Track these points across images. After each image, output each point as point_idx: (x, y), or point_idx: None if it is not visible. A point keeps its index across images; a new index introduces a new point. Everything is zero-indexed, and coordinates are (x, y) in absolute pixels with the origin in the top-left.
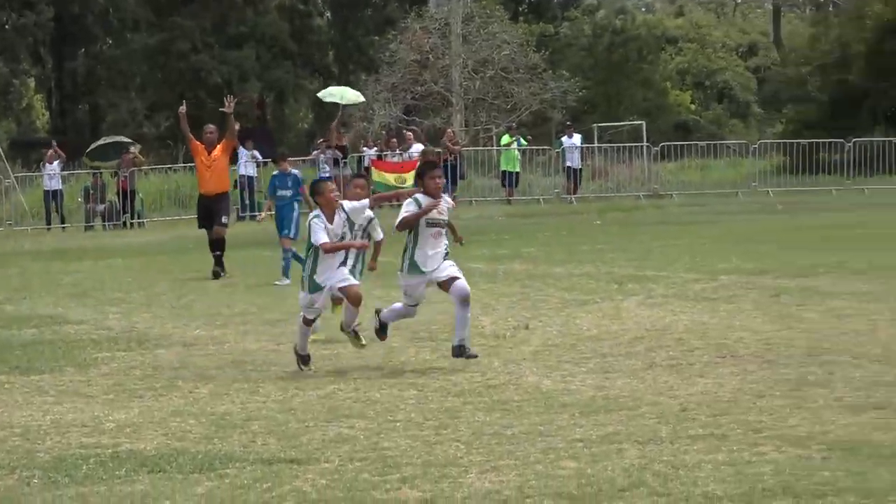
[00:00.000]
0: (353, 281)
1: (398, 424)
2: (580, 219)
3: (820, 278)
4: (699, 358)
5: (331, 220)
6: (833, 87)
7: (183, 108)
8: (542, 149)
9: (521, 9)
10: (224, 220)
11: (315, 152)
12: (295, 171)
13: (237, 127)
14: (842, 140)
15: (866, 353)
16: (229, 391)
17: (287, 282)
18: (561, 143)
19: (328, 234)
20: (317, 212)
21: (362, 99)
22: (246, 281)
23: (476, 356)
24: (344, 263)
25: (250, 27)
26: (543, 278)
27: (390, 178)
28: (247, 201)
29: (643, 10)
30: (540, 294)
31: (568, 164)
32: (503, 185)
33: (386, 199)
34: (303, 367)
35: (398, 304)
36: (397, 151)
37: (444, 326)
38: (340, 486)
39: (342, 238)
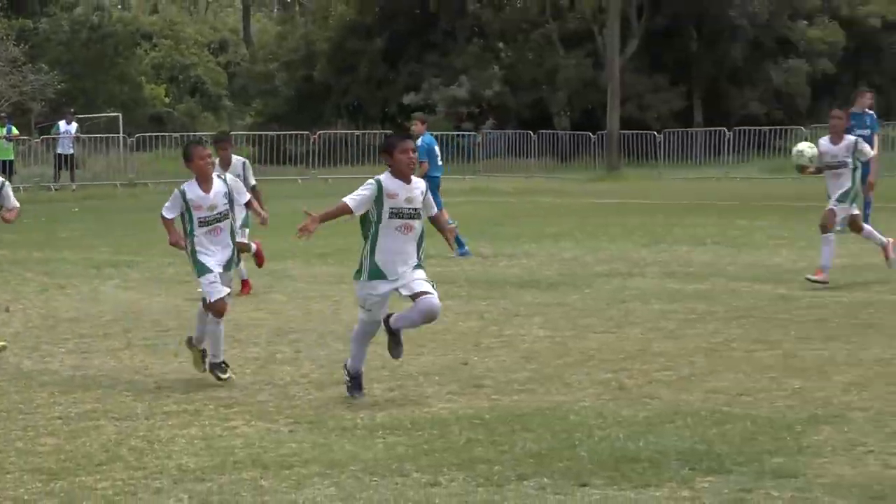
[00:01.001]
0: (221, 291)
1: None
2: (59, 206)
3: (287, 262)
4: (173, 338)
5: (206, 189)
6: (299, 82)
7: None
8: (23, 138)
9: (1, 4)
10: None
11: None
12: None
13: None
14: (307, 132)
15: (330, 332)
16: None
17: None
18: (58, 128)
19: (184, 206)
20: (189, 182)
21: None
22: None
23: None
24: (232, 238)
25: None
26: (24, 263)
27: None
28: None
29: (119, 7)
30: (20, 278)
31: (60, 150)
32: None
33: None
34: (203, 366)
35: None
36: None
37: None
38: None
39: (220, 215)
